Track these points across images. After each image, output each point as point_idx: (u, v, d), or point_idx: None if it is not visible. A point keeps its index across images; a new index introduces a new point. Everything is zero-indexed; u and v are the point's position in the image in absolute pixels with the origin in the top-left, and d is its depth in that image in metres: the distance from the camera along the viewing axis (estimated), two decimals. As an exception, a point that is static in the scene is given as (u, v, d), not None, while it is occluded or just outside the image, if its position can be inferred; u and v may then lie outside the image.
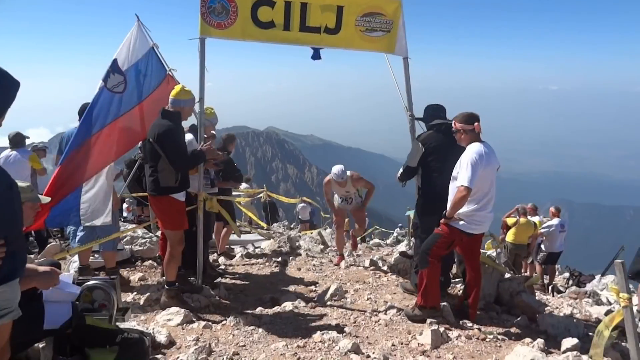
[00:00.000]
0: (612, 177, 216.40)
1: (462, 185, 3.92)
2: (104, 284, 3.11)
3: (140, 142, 5.46)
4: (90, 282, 3.10)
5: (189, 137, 4.96)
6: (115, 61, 4.81)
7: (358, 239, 8.44)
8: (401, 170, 5.00)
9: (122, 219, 10.40)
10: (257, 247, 8.47)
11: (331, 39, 4.95)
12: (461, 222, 4.12)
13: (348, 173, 6.47)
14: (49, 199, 3.63)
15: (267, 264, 6.81)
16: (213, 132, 5.60)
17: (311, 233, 11.43)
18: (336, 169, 6.41)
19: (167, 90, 4.66)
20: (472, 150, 4.02)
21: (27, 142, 7.31)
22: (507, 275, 5.58)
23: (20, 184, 2.98)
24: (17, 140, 6.83)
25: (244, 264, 6.82)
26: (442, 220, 4.22)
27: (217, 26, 4.72)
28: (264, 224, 11.92)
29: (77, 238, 5.04)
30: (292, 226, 15.14)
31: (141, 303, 4.57)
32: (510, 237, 9.79)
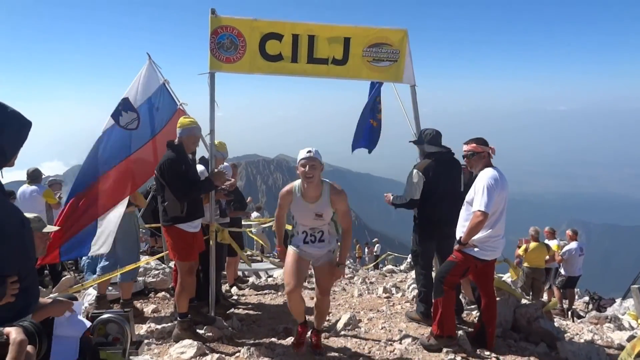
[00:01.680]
0: (629, 197, 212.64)
1: (478, 211, 3.90)
2: (118, 317, 3.11)
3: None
4: (104, 316, 3.11)
5: (200, 168, 5.04)
6: (126, 100, 4.96)
7: (370, 265, 8.02)
8: (402, 201, 4.97)
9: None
10: (270, 276, 8.44)
11: (339, 69, 5.05)
12: (475, 249, 4.09)
13: (327, 181, 3.79)
14: (56, 228, 3.70)
15: (279, 293, 6.77)
16: (226, 163, 5.67)
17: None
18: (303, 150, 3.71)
19: (177, 124, 4.78)
20: (487, 175, 4.02)
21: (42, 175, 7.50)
22: (524, 301, 5.47)
23: (27, 215, 3.05)
24: (35, 176, 7.01)
25: (256, 294, 6.78)
26: (456, 247, 4.19)
27: (227, 61, 4.84)
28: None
29: (100, 266, 5.13)
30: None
31: (154, 336, 4.56)
32: (525, 261, 9.64)
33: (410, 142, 5.30)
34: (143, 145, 5.09)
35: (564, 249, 9.91)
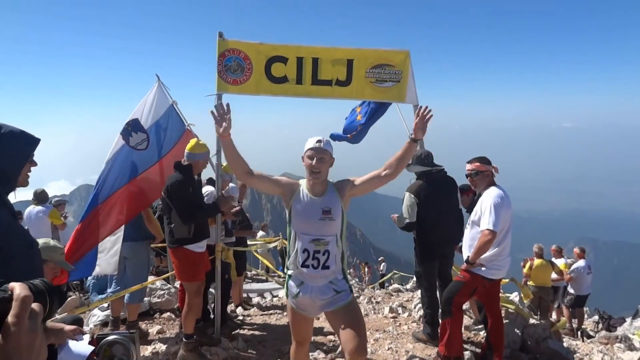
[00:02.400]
0: (636, 214, 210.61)
1: (487, 230, 3.89)
2: (123, 339, 3.10)
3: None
4: (110, 337, 3.11)
5: (209, 189, 5.08)
6: (136, 120, 5.04)
7: (376, 284, 7.83)
8: (401, 224, 4.99)
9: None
10: (275, 296, 8.40)
11: (342, 90, 5.12)
12: (483, 268, 4.07)
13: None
14: (72, 267, 3.71)
15: (285, 313, 6.73)
16: (232, 184, 5.72)
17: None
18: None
19: (185, 145, 4.85)
20: (493, 194, 4.03)
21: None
22: (532, 321, 5.41)
23: (54, 243, 3.07)
24: (42, 197, 7.11)
25: (261, 314, 6.75)
26: (463, 267, 4.17)
27: (233, 82, 4.94)
28: (280, 272, 11.85)
29: (110, 291, 5.13)
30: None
31: (160, 357, 4.54)
32: (531, 279, 9.53)
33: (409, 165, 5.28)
34: (150, 166, 5.15)
35: (572, 267, 9.80)
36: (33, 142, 2.07)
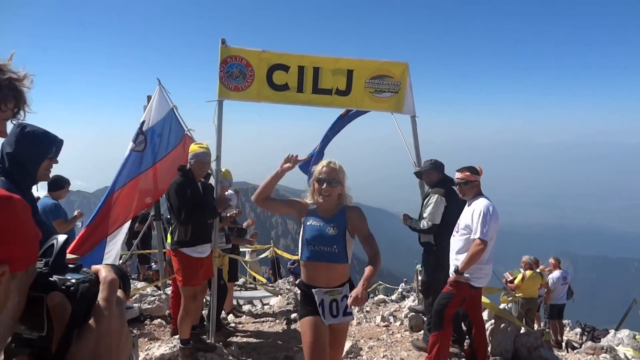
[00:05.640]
0: (615, 229, 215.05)
1: (479, 239, 3.97)
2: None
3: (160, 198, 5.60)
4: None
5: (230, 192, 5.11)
6: (142, 123, 5.08)
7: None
8: (421, 226, 5.00)
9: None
10: (266, 304, 8.37)
11: (342, 100, 5.20)
12: (469, 277, 4.15)
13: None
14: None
15: (277, 321, 6.71)
16: (231, 190, 5.73)
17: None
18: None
19: (184, 149, 4.87)
20: (485, 204, 4.12)
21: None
22: (524, 330, 5.50)
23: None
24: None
25: (253, 322, 6.71)
26: (452, 277, 4.22)
27: (235, 89, 4.98)
28: (264, 280, 11.80)
29: None
30: (296, 282, 14.93)
31: (154, 363, 4.49)
32: (520, 291, 9.65)
33: (426, 170, 5.23)
34: (148, 168, 5.14)
35: (548, 277, 9.98)
36: (54, 141, 2.22)
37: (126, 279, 0.85)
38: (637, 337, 7.52)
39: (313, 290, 2.93)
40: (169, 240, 4.57)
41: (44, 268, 0.71)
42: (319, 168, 3.01)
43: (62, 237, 0.75)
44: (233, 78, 4.95)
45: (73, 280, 0.70)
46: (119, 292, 0.76)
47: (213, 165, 4.97)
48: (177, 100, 5.33)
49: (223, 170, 5.25)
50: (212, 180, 4.96)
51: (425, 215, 4.98)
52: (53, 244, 0.74)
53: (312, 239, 2.95)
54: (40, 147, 2.30)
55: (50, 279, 0.70)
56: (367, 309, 8.39)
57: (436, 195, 4.93)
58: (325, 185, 2.94)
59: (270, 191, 3.15)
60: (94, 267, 0.76)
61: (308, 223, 3.02)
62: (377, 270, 2.94)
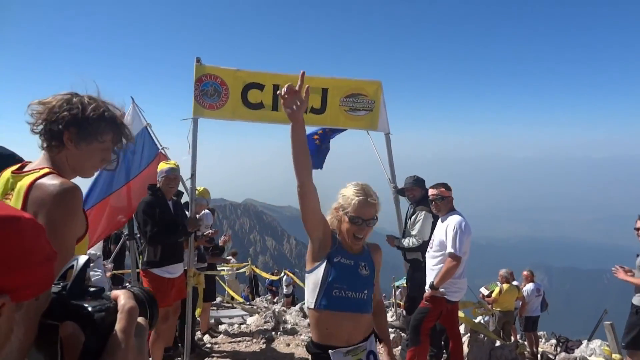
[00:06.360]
0: (586, 241, 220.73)
1: (453, 254, 4.05)
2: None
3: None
4: None
5: (206, 211, 5.06)
6: None
7: None
8: (411, 244, 5.04)
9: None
10: (242, 323, 8.24)
11: (317, 118, 5.26)
12: (444, 291, 4.21)
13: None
14: None
15: (254, 340, 6.62)
16: (206, 210, 5.68)
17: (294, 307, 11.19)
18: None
19: (157, 167, 4.82)
20: (458, 220, 4.22)
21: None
22: (499, 343, 5.58)
23: None
24: None
25: (230, 342, 6.60)
26: (428, 293, 4.28)
27: (210, 107, 4.98)
28: (241, 299, 11.65)
29: None
30: (275, 300, 14.80)
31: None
32: (497, 305, 9.77)
33: (409, 187, 5.32)
34: (119, 187, 5.06)
35: (523, 290, 10.16)
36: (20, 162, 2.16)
37: (153, 304, 0.77)
38: (603, 349, 7.70)
39: (330, 352, 2.23)
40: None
41: (61, 292, 0.65)
42: (351, 201, 2.27)
43: (82, 259, 0.68)
44: (208, 96, 4.96)
45: (90, 309, 0.64)
46: (141, 320, 0.70)
47: (188, 183, 4.94)
48: (152, 119, 5.31)
49: (201, 189, 5.21)
50: (186, 198, 4.93)
51: (414, 232, 5.04)
52: (73, 266, 0.68)
53: (340, 281, 2.26)
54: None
55: (68, 305, 0.64)
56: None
57: (424, 212, 5.01)
58: (363, 226, 2.27)
59: (308, 163, 2.20)
60: (114, 293, 0.70)
61: (335, 260, 2.28)
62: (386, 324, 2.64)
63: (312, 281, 2.30)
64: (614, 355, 2.99)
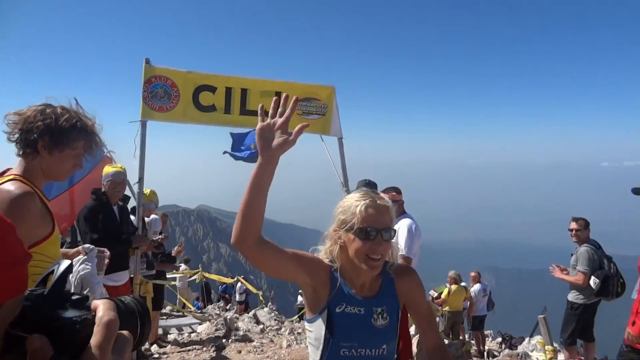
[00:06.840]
0: (532, 243, 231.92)
1: (403, 256, 4.15)
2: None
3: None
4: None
5: (154, 217, 4.89)
6: None
7: (295, 317, 7.35)
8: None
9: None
10: (193, 331, 8.04)
11: (270, 121, 5.24)
12: None
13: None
14: None
15: (204, 349, 6.47)
16: (154, 215, 5.51)
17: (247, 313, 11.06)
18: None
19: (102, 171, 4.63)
20: (409, 222, 4.34)
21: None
22: (446, 341, 5.75)
23: None
24: None
25: (179, 351, 6.41)
26: None
27: (159, 109, 4.86)
28: (193, 307, 11.40)
29: None
30: (227, 307, 14.56)
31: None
32: (446, 305, 10.09)
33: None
34: (61, 193, 4.82)
35: (470, 290, 10.59)
36: None
37: (145, 315, 0.69)
38: (537, 342, 8.17)
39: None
40: None
41: (37, 300, 0.58)
42: (355, 209, 1.64)
43: (64, 264, 0.61)
44: (157, 98, 4.83)
45: (64, 320, 0.57)
46: (125, 333, 0.63)
47: (135, 187, 4.78)
48: (99, 121, 5.07)
49: (147, 191, 5.05)
50: (133, 203, 4.77)
51: None
52: (53, 271, 0.61)
53: (348, 337, 1.68)
54: None
55: (41, 314, 0.57)
56: (299, 330, 8.34)
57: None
58: (378, 239, 1.62)
59: (259, 217, 1.53)
60: (94, 303, 0.61)
61: (338, 310, 1.69)
62: None
63: (314, 336, 1.73)
64: (546, 347, 3.16)
